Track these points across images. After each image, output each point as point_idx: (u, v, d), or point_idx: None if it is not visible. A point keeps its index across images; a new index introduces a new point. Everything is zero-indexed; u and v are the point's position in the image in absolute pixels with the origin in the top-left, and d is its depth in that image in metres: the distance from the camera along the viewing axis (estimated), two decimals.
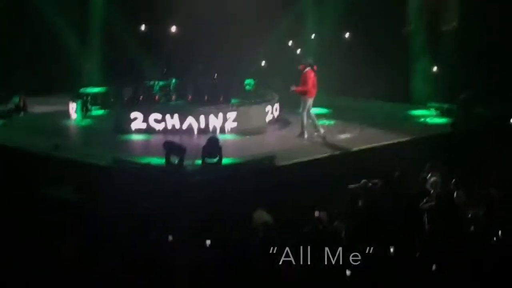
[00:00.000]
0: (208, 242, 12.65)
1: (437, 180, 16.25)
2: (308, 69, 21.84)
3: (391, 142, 21.36)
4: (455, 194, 15.01)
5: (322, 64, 27.33)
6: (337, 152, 20.22)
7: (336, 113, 25.60)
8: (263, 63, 30.97)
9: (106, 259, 11.47)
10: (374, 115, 25.15)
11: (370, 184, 16.32)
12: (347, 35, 30.70)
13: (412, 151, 20.48)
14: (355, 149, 20.58)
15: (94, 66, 30.50)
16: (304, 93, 21.74)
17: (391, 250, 12.12)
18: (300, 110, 21.90)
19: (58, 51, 30.08)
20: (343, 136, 22.22)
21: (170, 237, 12.69)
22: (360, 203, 14.79)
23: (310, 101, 21.85)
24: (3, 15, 28.73)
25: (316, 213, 14.44)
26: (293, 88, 21.86)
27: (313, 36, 31.19)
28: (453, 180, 15.75)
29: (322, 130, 22.06)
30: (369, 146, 20.84)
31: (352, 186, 16.63)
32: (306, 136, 21.80)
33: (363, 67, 27.87)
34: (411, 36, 28.92)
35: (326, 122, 24.08)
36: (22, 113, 25.59)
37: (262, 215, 14.30)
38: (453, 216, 13.93)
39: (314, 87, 21.91)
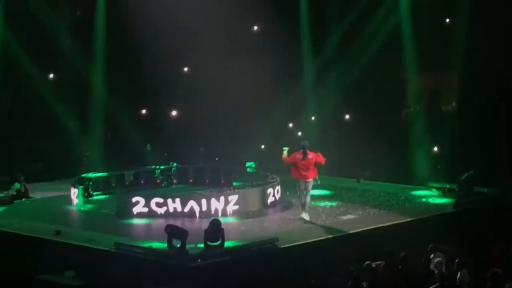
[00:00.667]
0: None
1: (441, 260, 16.12)
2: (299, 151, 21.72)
3: (393, 223, 21.28)
4: (458, 274, 14.87)
5: (323, 146, 27.53)
6: (340, 234, 20.11)
7: (338, 194, 25.63)
8: (262, 146, 31.11)
9: None
10: (376, 196, 25.16)
11: (373, 265, 16.19)
12: (347, 116, 30.91)
13: (415, 232, 20.39)
14: (357, 230, 20.49)
15: (95, 151, 30.66)
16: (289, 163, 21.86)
17: None
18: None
19: (58, 137, 30.30)
20: (345, 218, 22.18)
21: None
22: (363, 285, 14.64)
23: (301, 183, 21.69)
24: (5, 103, 28.97)
25: None
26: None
27: (313, 118, 31.41)
28: (457, 260, 15.63)
29: (304, 216, 21.62)
30: (371, 227, 20.76)
31: (354, 268, 16.50)
32: (306, 217, 21.63)
33: (364, 148, 28.01)
34: (412, 117, 29.12)
35: (328, 203, 24.07)
36: (23, 199, 25.57)
37: None
38: None
39: (297, 169, 21.62)
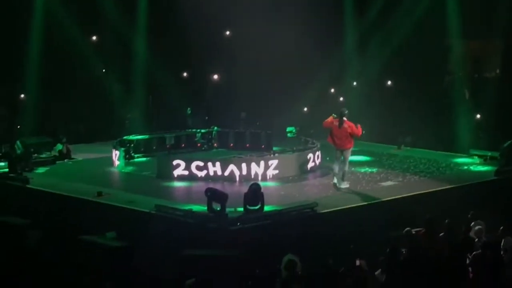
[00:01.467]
0: None
1: (482, 228, 16.03)
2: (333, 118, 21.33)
3: (434, 190, 21.16)
4: (503, 241, 14.75)
5: (364, 112, 27.47)
6: (379, 200, 20.06)
7: (379, 161, 25.56)
8: (305, 109, 31.04)
9: None
10: (416, 163, 25.04)
11: (413, 232, 16.14)
12: (389, 83, 30.71)
13: (456, 199, 20.29)
14: (397, 197, 20.41)
15: (137, 114, 30.88)
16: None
17: None
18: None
19: (101, 100, 30.54)
20: (385, 184, 22.10)
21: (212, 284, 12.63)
22: (402, 251, 14.61)
23: (338, 151, 21.23)
24: (48, 65, 29.20)
25: (357, 262, 14.31)
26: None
27: (355, 83, 31.27)
28: (501, 227, 15.54)
29: (339, 185, 21.20)
30: (411, 194, 20.67)
31: (394, 234, 16.47)
32: (343, 185, 21.32)
33: (406, 114, 27.86)
34: (454, 84, 28.85)
35: (368, 169, 24.01)
36: (65, 160, 25.84)
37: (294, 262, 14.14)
38: (500, 265, 13.70)
39: (332, 136, 21.20)
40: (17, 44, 28.92)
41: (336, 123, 21.07)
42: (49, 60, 29.20)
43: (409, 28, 29.01)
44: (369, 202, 19.83)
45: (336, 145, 21.24)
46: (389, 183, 22.25)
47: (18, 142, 25.03)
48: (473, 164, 24.89)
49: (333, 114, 21.36)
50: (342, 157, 21.31)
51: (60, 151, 25.98)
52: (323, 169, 24.02)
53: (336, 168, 21.42)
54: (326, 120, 21.38)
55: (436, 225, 16.09)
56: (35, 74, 28.97)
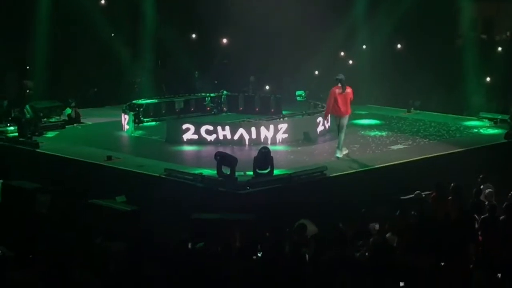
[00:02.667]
0: (259, 254, 12.62)
1: (492, 191, 16.04)
2: (334, 86, 20.71)
3: (444, 153, 21.14)
4: None
5: (374, 75, 27.36)
6: (389, 164, 20.02)
7: (388, 124, 25.50)
8: (316, 72, 30.91)
9: (153, 265, 11.50)
10: (426, 126, 24.98)
11: (423, 195, 16.15)
12: (399, 46, 30.54)
13: (466, 162, 20.27)
14: (407, 160, 20.39)
15: (145, 78, 30.84)
16: (325, 112, 21.18)
17: (445, 261, 11.98)
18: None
19: (111, 65, 30.50)
20: (395, 147, 22.07)
21: (219, 248, 12.66)
22: (412, 214, 14.63)
23: (337, 119, 20.79)
24: (57, 29, 29.12)
25: (372, 225, 14.35)
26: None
27: (364, 47, 31.11)
28: None
29: (339, 154, 20.63)
30: (421, 157, 20.63)
31: (404, 197, 16.49)
32: (340, 154, 20.68)
33: (415, 78, 27.74)
34: (464, 46, 28.67)
35: (378, 133, 23.97)
36: (75, 124, 25.87)
37: (309, 226, 14.20)
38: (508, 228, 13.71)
39: (336, 105, 20.63)
40: (26, 7, 28.81)
41: (338, 90, 20.54)
42: (58, 24, 29.12)
43: None
44: (379, 166, 19.81)
45: (341, 113, 20.63)
46: (398, 146, 22.22)
47: (27, 107, 25.05)
48: (483, 127, 24.85)
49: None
50: (339, 127, 20.75)
51: (69, 115, 26.01)
52: (333, 133, 23.94)
53: (341, 139, 20.80)
54: (329, 98, 20.88)
55: (446, 188, 16.10)
56: (44, 38, 28.88)
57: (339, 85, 20.53)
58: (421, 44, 29.13)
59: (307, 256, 12.40)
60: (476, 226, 14.06)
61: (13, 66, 29.68)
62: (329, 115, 22.05)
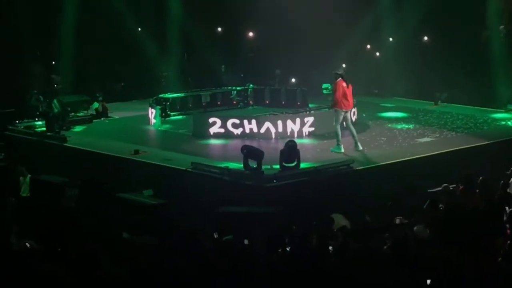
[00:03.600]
0: (287, 248, 12.60)
1: None
2: (339, 79, 20.64)
3: (471, 145, 21.02)
4: None
5: (400, 68, 27.22)
6: (416, 156, 19.94)
7: (415, 117, 25.39)
8: (343, 65, 30.82)
9: (180, 259, 11.52)
10: (453, 118, 24.86)
11: (450, 188, 16.07)
12: (425, 38, 30.37)
13: (494, 155, 20.13)
14: (434, 153, 20.30)
15: (172, 72, 30.91)
16: (334, 105, 20.89)
17: (473, 254, 11.90)
18: (334, 123, 20.79)
19: (138, 59, 30.58)
20: (422, 140, 21.97)
21: (246, 241, 12.65)
22: (440, 207, 14.55)
23: (342, 113, 20.62)
24: (84, 24, 29.23)
25: (397, 220, 14.29)
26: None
27: (391, 39, 30.97)
28: None
29: (360, 147, 20.68)
30: (449, 150, 20.53)
31: (432, 190, 16.41)
32: (342, 150, 20.60)
33: (442, 70, 27.58)
34: (491, 38, 28.44)
35: (405, 126, 23.88)
36: (102, 119, 26.00)
37: (339, 220, 14.20)
38: None
39: (345, 98, 20.57)
40: (52, 2, 28.95)
41: (344, 84, 20.58)
42: (85, 18, 29.23)
43: None
44: (406, 159, 19.73)
45: (350, 106, 20.83)
46: (426, 139, 22.12)
47: (55, 101, 25.19)
48: (511, 119, 24.66)
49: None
50: (345, 121, 20.75)
51: (96, 110, 26.16)
52: (359, 125, 23.86)
53: (353, 131, 20.88)
54: (336, 88, 20.68)
55: (474, 180, 16.00)
56: (71, 32, 29.02)
57: (342, 79, 20.58)
58: (447, 36, 28.92)
59: (332, 248, 12.38)
60: (505, 218, 13.97)
61: (40, 60, 29.84)
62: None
